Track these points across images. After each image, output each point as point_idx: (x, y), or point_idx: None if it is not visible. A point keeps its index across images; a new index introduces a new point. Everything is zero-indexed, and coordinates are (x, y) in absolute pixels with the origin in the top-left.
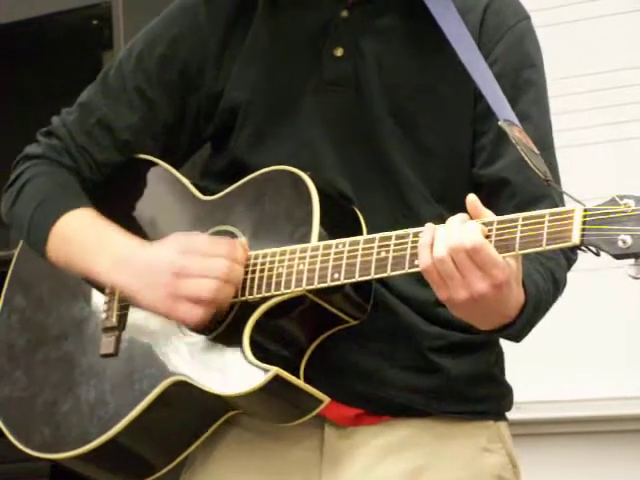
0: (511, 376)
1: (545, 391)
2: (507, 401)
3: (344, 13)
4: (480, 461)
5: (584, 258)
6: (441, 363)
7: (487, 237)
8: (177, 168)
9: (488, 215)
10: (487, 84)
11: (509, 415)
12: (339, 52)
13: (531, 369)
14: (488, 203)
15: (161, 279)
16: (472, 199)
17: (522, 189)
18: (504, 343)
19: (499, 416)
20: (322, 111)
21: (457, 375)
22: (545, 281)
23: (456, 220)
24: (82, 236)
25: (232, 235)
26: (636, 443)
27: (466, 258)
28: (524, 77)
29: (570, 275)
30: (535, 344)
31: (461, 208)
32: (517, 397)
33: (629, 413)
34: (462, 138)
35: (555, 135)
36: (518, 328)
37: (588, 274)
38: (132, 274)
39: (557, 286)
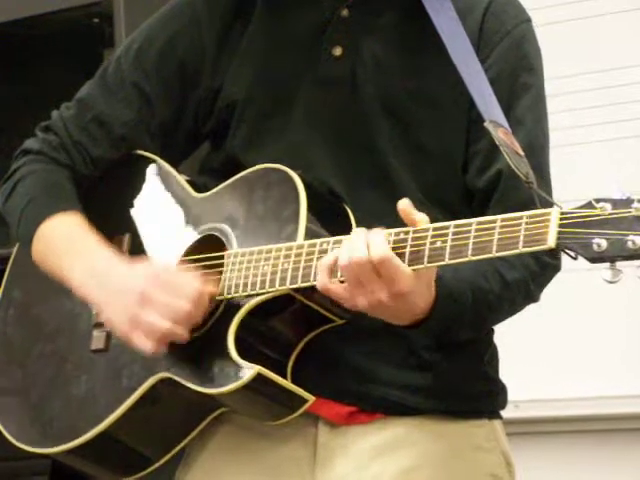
0: (508, 374)
1: (542, 389)
2: (501, 399)
3: (344, 12)
4: (474, 460)
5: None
6: (433, 360)
7: (398, 247)
8: (176, 165)
9: (421, 220)
10: (477, 85)
11: (506, 414)
12: (337, 51)
13: (528, 367)
14: (480, 211)
15: (127, 302)
16: (404, 204)
17: (509, 196)
18: (501, 341)
19: (493, 414)
20: (318, 110)
21: (450, 373)
22: (488, 281)
23: (361, 233)
24: (63, 243)
25: (222, 233)
26: (633, 442)
27: (371, 271)
28: (521, 81)
29: (567, 275)
30: (533, 342)
31: (455, 211)
32: (514, 395)
33: (626, 411)
34: (457, 141)
35: (553, 134)
36: (433, 326)
37: (585, 273)
38: (101, 291)
39: (508, 287)
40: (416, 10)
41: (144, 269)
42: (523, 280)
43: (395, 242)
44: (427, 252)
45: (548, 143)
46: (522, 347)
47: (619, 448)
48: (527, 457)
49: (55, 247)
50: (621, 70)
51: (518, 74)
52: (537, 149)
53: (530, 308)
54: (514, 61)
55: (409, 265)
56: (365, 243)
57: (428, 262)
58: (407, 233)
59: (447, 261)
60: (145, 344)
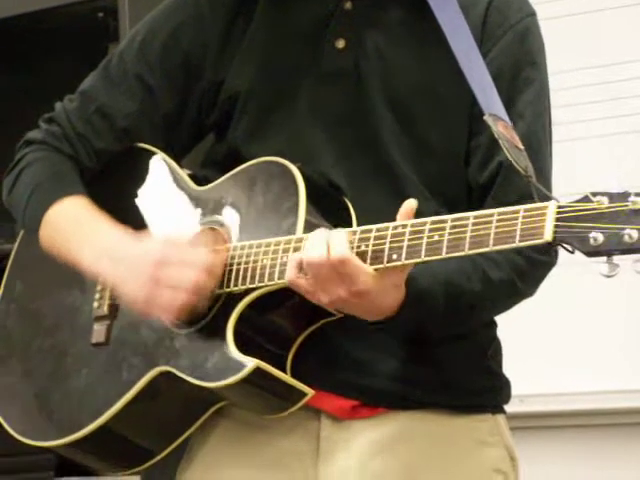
0: (513, 369)
1: (547, 384)
2: (505, 394)
3: (347, 5)
4: (478, 454)
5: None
6: (435, 353)
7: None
8: (179, 158)
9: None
10: (478, 79)
11: (511, 408)
12: (341, 44)
13: (533, 362)
14: (478, 207)
15: (143, 267)
16: (410, 205)
17: (507, 189)
18: (506, 336)
19: (497, 409)
20: (320, 103)
21: (453, 367)
22: (469, 280)
23: (322, 233)
24: (71, 226)
25: (221, 225)
26: (637, 436)
27: (330, 270)
28: (523, 75)
29: (570, 270)
30: (537, 337)
31: (455, 205)
32: (519, 390)
33: (630, 406)
34: (459, 136)
35: (553, 129)
36: (401, 324)
37: (587, 268)
38: (115, 263)
39: (492, 286)
40: (420, 3)
41: (154, 243)
42: (508, 278)
43: (359, 240)
44: (424, 246)
45: (549, 138)
46: (527, 341)
47: (623, 442)
48: (531, 451)
49: (63, 230)
50: (621, 65)
51: (521, 68)
52: (536, 143)
53: (534, 302)
54: (517, 55)
55: (406, 259)
56: (325, 243)
57: (425, 255)
58: (405, 227)
59: (444, 255)
60: (164, 317)
